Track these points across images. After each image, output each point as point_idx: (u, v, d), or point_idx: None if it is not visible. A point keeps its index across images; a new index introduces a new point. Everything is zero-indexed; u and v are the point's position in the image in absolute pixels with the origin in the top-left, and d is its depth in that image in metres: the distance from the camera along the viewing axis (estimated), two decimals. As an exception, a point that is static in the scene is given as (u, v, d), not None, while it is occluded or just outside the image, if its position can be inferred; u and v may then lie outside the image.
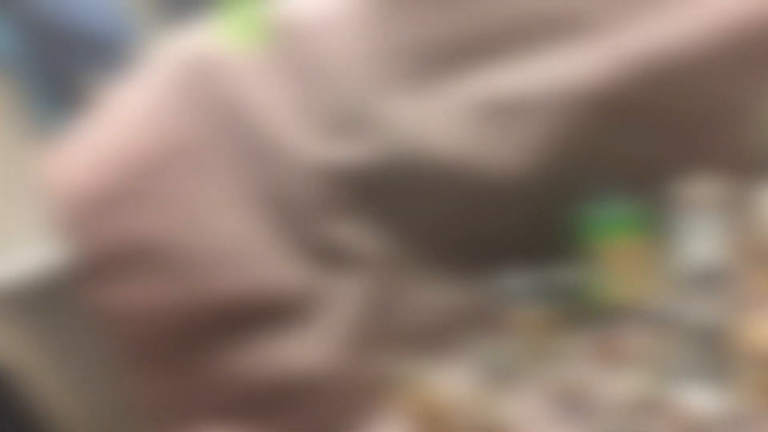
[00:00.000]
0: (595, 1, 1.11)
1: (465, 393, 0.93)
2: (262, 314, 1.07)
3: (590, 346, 0.97)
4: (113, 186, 1.01)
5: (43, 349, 1.17)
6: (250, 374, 1.06)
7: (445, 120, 1.06)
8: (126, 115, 1.03)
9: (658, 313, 0.97)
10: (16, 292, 1.08)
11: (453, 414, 0.92)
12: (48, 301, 1.11)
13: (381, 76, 1.05)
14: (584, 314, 1.07)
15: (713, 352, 0.89)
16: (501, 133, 1.08)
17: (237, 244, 1.05)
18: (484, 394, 0.93)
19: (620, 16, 1.11)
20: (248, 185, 1.05)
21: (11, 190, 1.13)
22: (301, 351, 1.06)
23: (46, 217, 1.18)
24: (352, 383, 1.07)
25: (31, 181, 1.15)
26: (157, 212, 1.03)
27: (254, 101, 1.04)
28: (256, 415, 1.07)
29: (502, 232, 1.09)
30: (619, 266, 1.03)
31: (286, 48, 1.05)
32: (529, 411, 0.92)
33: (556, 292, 1.05)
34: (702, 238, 0.99)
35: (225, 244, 1.05)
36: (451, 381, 1.01)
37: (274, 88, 1.05)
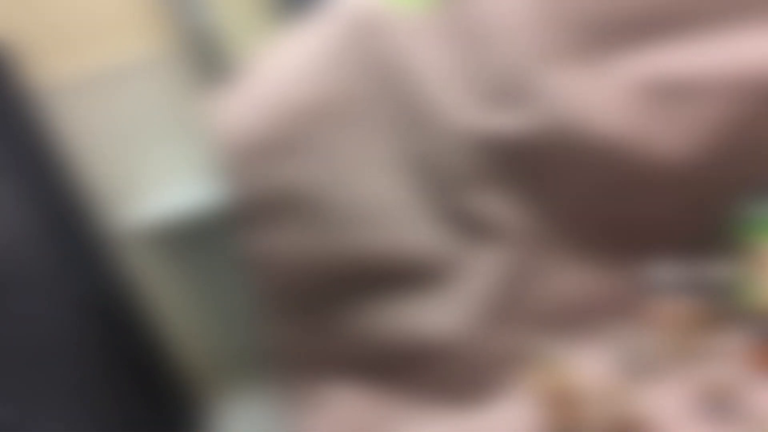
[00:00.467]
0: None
1: (601, 381, 0.90)
2: (401, 276, 1.07)
3: (741, 349, 0.92)
4: (272, 133, 1.03)
5: (189, 286, 1.23)
6: (384, 334, 1.07)
7: (608, 97, 1.01)
8: (291, 66, 1.04)
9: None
10: (172, 227, 1.14)
11: (586, 400, 0.89)
12: (201, 239, 1.16)
13: (546, 48, 1.02)
14: (734, 315, 1.00)
15: None
16: (667, 116, 1.02)
17: (383, 204, 1.05)
18: (621, 384, 0.90)
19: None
20: (401, 146, 1.05)
21: (177, 131, 1.18)
22: (435, 317, 1.05)
23: (207, 158, 1.23)
24: (482, 355, 1.05)
25: (197, 122, 1.19)
26: (312, 163, 1.04)
27: (417, 64, 1.04)
28: (385, 375, 1.08)
29: (654, 220, 1.04)
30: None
31: (454, 13, 1.04)
32: (669, 407, 0.88)
33: (705, 289, 1.00)
34: None
35: (372, 203, 1.05)
36: (587, 367, 0.98)
37: (438, 52, 1.04)
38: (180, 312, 1.27)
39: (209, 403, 1.32)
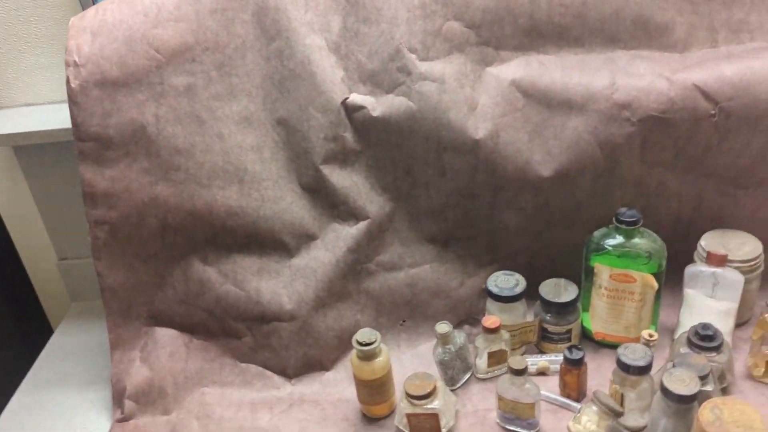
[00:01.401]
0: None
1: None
2: (252, 240, 1.06)
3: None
4: (122, 67, 0.99)
5: (42, 203, 1.28)
6: (222, 296, 1.07)
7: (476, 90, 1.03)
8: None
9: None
10: (28, 142, 1.14)
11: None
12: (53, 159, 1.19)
13: (423, 31, 1.02)
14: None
15: None
16: (533, 125, 1.04)
17: (239, 162, 1.03)
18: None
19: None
20: (266, 106, 1.03)
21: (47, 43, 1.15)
22: (279, 287, 1.07)
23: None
24: (318, 329, 1.06)
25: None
26: (164, 105, 1.00)
27: (296, 25, 1.01)
28: (216, 335, 1.09)
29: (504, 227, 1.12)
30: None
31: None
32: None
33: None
34: None
35: (227, 159, 1.04)
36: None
37: (320, 18, 1.02)
38: (32, 228, 1.33)
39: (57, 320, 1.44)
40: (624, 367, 0.91)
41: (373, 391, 1.00)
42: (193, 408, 1.05)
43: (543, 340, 1.10)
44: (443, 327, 1.02)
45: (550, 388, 1.04)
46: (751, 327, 1.11)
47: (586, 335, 1.12)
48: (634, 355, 0.91)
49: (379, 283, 1.12)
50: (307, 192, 1.06)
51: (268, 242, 1.06)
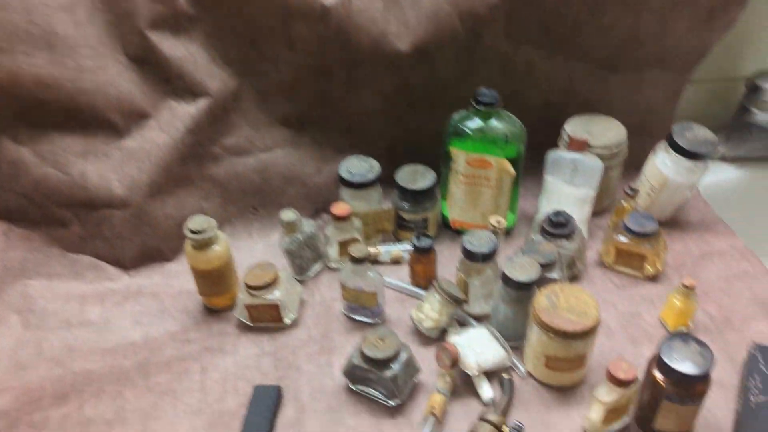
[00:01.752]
0: None
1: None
2: (71, 117, 0.94)
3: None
4: None
5: None
6: (48, 177, 0.96)
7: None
8: None
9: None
10: None
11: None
12: None
13: None
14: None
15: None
16: None
17: (53, 26, 0.90)
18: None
19: None
20: None
21: None
22: (108, 171, 0.96)
23: None
24: (156, 217, 0.99)
25: None
26: None
27: None
28: (40, 219, 1.00)
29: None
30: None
31: None
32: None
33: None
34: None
35: (37, 20, 0.90)
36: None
37: None
38: None
39: None
40: (468, 255, 0.87)
41: (212, 281, 0.93)
42: (13, 301, 0.95)
43: (400, 229, 1.05)
44: (288, 215, 0.95)
45: (402, 277, 1.00)
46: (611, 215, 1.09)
47: (446, 224, 1.08)
48: (478, 242, 0.87)
49: (225, 169, 1.02)
50: (134, 63, 0.93)
51: (92, 120, 0.94)
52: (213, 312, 0.96)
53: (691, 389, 0.71)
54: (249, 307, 0.91)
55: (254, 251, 1.05)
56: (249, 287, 0.90)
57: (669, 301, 0.89)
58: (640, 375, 0.76)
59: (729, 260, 1.00)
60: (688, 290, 0.85)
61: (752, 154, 1.24)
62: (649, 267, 0.96)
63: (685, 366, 0.69)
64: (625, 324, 0.91)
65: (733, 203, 1.16)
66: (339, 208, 0.95)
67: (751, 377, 0.78)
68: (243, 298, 0.91)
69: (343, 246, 0.98)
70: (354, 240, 0.98)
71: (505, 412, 0.78)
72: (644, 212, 0.96)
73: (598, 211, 1.10)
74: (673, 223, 1.07)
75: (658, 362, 0.72)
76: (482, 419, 0.75)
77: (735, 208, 1.14)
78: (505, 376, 0.82)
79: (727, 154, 1.24)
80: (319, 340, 0.91)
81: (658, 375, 0.72)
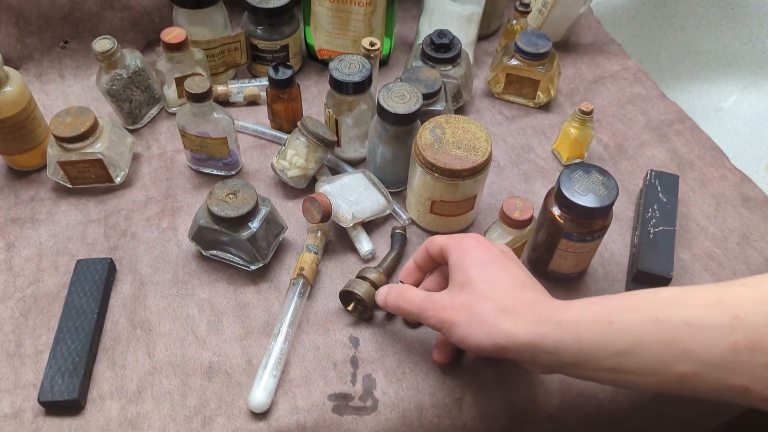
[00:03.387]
0: None
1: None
2: None
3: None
4: None
5: None
6: None
7: None
8: None
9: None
10: None
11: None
12: None
13: None
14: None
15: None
16: None
17: None
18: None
19: None
20: None
21: None
22: None
23: None
24: None
25: None
26: None
27: None
28: None
29: None
30: None
31: None
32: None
33: None
34: None
35: None
36: None
37: None
38: None
39: None
40: (336, 85, 0.71)
41: (9, 134, 0.72)
42: None
43: (255, 61, 0.86)
44: (102, 44, 0.74)
45: (262, 120, 0.83)
46: (499, 39, 0.96)
47: (311, 55, 0.91)
48: (348, 69, 0.71)
49: (14, -13, 0.77)
50: None
51: None
52: (20, 174, 0.76)
53: (592, 225, 0.62)
54: (64, 165, 0.72)
55: (69, 96, 0.83)
56: (58, 139, 0.70)
57: (563, 130, 0.79)
58: (536, 214, 0.67)
59: (622, 83, 0.92)
60: (586, 116, 0.76)
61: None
62: (541, 94, 0.85)
63: (588, 199, 0.60)
64: (516, 159, 0.81)
65: (623, 22, 1.06)
66: (172, 35, 0.75)
67: (650, 207, 0.72)
68: (54, 153, 0.71)
69: (182, 84, 0.78)
70: (196, 76, 0.78)
71: (390, 271, 0.67)
72: (537, 31, 0.84)
73: (484, 35, 0.96)
74: (565, 45, 0.96)
75: (557, 197, 0.62)
76: (360, 276, 0.64)
77: (626, 26, 1.05)
78: (398, 230, 0.70)
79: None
80: (160, 200, 0.74)
81: (556, 211, 0.63)
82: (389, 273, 0.67)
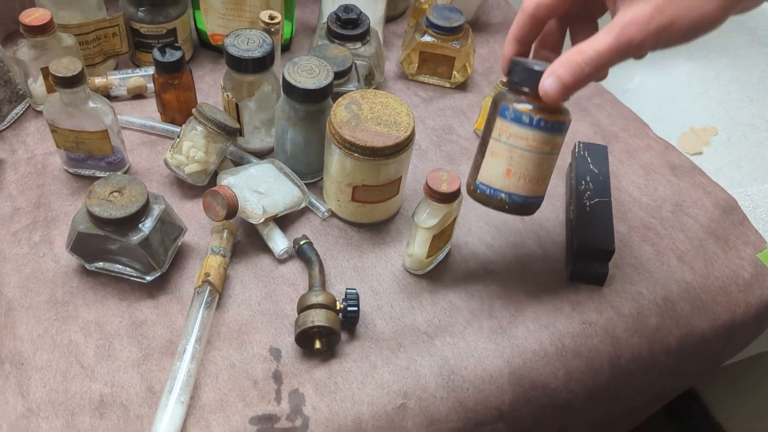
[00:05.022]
0: None
1: None
2: None
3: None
4: None
5: None
6: None
7: None
8: None
9: None
10: None
11: None
12: None
13: None
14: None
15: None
16: None
17: None
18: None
19: None
20: None
21: None
22: None
23: None
24: None
25: None
26: None
27: None
28: None
29: None
30: None
31: None
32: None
33: None
34: None
35: None
36: None
37: None
38: None
39: None
40: (234, 63, 0.63)
41: None
42: None
43: (138, 49, 0.76)
44: (-55, 27, 0.62)
45: (150, 114, 0.73)
46: (407, 20, 0.90)
47: (203, 42, 0.81)
48: (247, 44, 0.63)
49: None
50: None
51: None
52: None
53: (537, 100, 0.51)
54: None
55: None
56: None
57: (485, 107, 0.74)
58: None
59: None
60: (508, 89, 0.71)
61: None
62: (457, 73, 0.80)
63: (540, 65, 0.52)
64: (437, 141, 0.75)
65: None
66: (33, 16, 0.63)
67: (583, 180, 0.68)
68: None
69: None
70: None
71: (324, 283, 0.58)
72: (448, 5, 0.78)
73: (391, 17, 0.90)
74: (476, 25, 0.91)
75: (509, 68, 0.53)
76: (305, 309, 0.54)
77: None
78: (301, 242, 0.61)
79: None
80: (30, 210, 0.62)
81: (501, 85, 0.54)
82: (324, 285, 0.58)
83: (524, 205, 0.52)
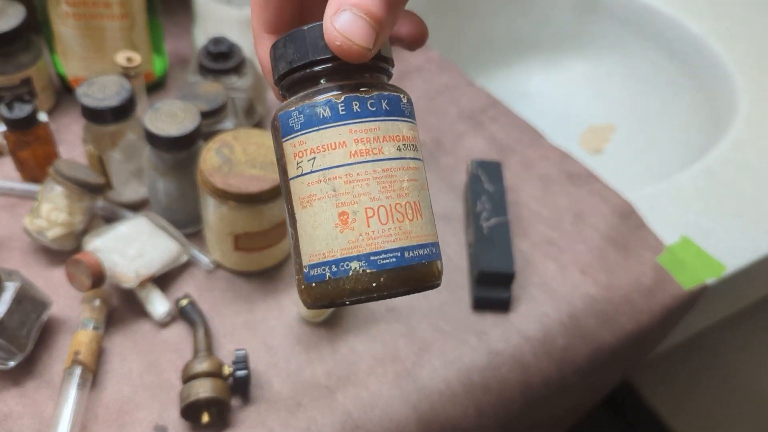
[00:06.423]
0: None
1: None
2: None
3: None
4: None
5: None
6: None
7: None
8: None
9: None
10: None
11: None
12: None
13: None
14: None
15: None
16: None
17: None
18: None
19: None
20: None
21: None
22: None
23: None
24: None
25: None
26: None
27: None
28: None
29: None
30: None
31: None
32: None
33: None
34: None
35: None
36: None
37: None
38: None
39: None
40: (90, 114, 0.57)
41: None
42: None
43: (-11, 103, 0.69)
44: None
45: (8, 173, 0.66)
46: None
47: (66, 87, 0.75)
48: (102, 92, 0.57)
49: None
50: None
51: None
52: None
53: None
54: None
55: None
56: None
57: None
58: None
59: (428, 75, 0.86)
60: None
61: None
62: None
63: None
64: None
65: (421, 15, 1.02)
66: None
67: (478, 200, 0.66)
68: None
69: None
70: None
71: (209, 346, 0.54)
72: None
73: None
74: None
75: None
76: (189, 378, 0.49)
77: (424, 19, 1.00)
78: (183, 302, 0.56)
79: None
80: None
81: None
82: (211, 348, 0.54)
83: (405, 267, 0.28)
